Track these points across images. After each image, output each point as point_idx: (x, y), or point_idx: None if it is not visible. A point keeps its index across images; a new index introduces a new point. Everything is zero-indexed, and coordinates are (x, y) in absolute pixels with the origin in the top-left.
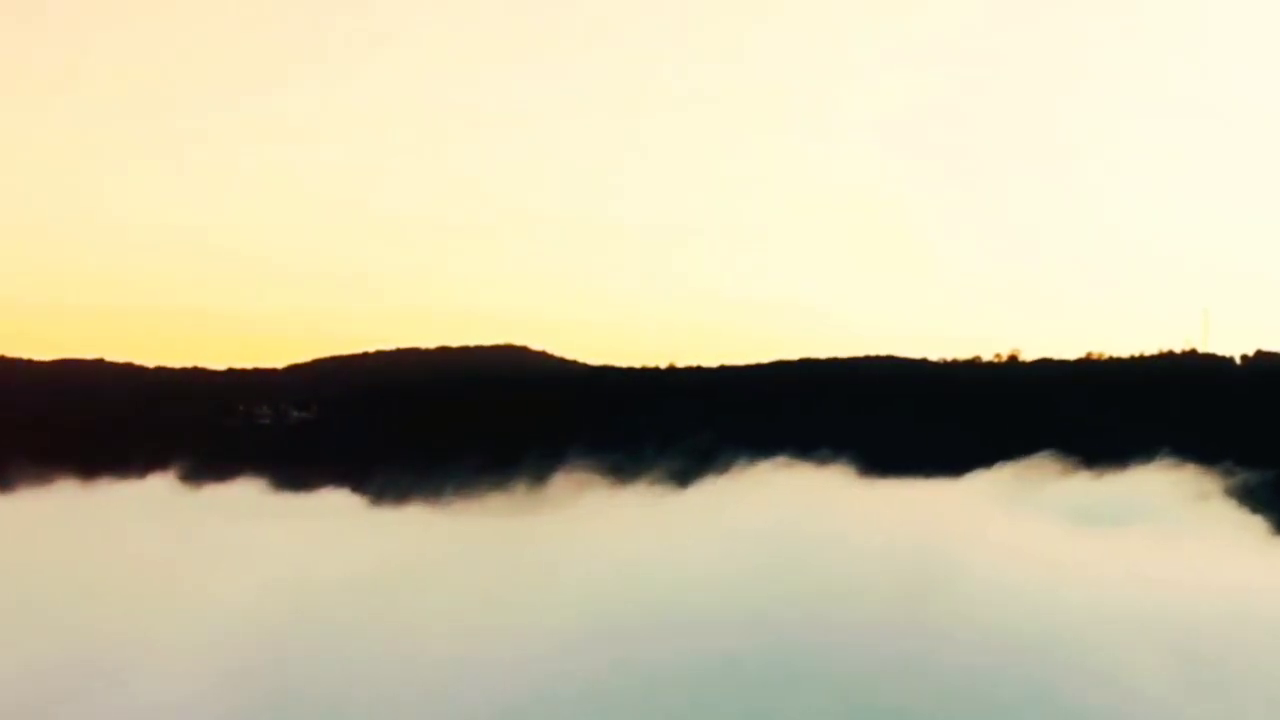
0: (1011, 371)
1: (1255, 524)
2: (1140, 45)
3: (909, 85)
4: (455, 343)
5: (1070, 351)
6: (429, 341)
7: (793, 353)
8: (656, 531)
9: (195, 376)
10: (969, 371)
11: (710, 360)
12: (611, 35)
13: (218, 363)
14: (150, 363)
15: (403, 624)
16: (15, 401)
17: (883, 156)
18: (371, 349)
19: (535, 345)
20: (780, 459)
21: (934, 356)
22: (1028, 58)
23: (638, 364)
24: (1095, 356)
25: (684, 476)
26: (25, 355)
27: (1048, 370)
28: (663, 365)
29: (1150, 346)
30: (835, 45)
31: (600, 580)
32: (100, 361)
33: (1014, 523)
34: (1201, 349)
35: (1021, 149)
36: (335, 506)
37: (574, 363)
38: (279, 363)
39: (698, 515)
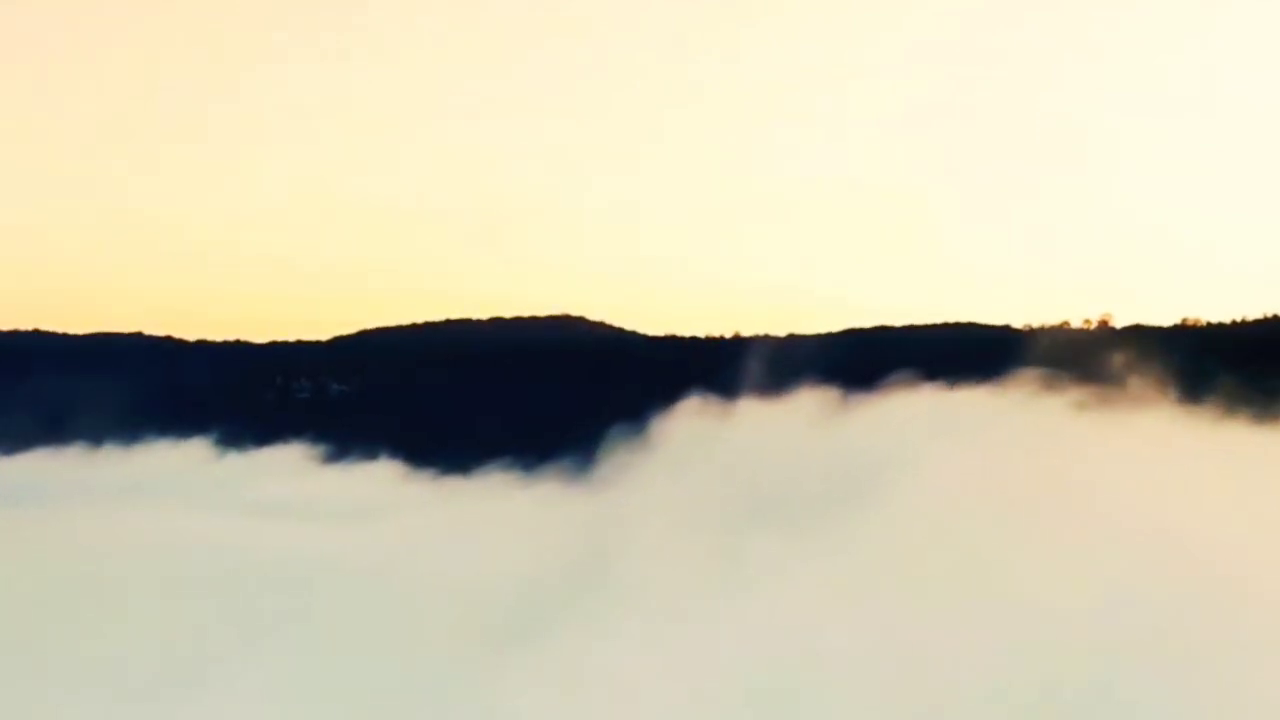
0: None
1: None
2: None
3: (983, 61)
4: (509, 313)
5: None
6: (481, 313)
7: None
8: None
9: (236, 350)
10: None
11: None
12: (667, 40)
13: (261, 336)
14: (191, 336)
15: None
16: (53, 372)
17: (961, 130)
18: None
19: (593, 316)
20: None
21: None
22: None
23: (701, 333)
24: (1191, 323)
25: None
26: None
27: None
28: (728, 334)
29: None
30: (890, 38)
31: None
32: (139, 335)
33: None
34: None
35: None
36: (374, 478)
37: (633, 333)
38: (323, 335)
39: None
